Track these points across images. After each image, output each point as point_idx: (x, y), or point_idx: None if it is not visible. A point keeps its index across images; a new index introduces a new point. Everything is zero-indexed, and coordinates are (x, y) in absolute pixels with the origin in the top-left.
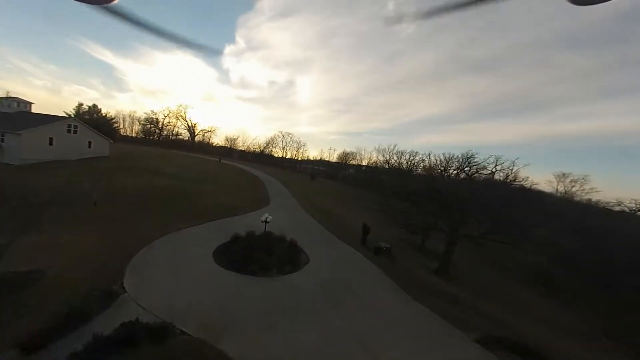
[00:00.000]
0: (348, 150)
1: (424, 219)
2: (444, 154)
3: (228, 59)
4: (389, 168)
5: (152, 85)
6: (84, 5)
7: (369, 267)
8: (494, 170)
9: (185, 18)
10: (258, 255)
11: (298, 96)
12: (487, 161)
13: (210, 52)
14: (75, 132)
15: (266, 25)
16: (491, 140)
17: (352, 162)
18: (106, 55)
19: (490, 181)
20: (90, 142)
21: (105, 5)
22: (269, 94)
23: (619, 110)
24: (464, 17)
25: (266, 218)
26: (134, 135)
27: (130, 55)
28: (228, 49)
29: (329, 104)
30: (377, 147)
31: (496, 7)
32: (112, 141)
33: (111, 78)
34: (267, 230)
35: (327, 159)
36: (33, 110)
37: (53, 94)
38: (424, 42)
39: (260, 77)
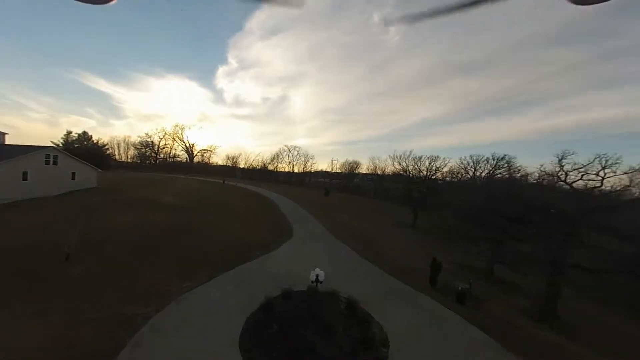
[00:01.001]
0: (351, 159)
1: (523, 249)
2: (471, 156)
3: (221, 79)
4: (414, 177)
5: (147, 110)
6: (80, 20)
7: (473, 336)
8: (602, 175)
9: (176, 41)
10: (311, 338)
11: (292, 110)
12: (593, 163)
13: None
14: (55, 163)
15: (257, 44)
16: (488, 139)
17: (359, 171)
18: (101, 84)
19: (601, 191)
20: (74, 174)
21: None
22: (263, 110)
23: (611, 101)
24: (452, 22)
25: (317, 276)
26: (129, 160)
27: (124, 82)
28: (221, 69)
29: (324, 114)
30: (392, 155)
31: (484, 9)
32: (99, 170)
33: (107, 106)
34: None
35: (332, 171)
36: (29, 143)
37: (51, 126)
38: (413, 49)
39: (254, 94)
